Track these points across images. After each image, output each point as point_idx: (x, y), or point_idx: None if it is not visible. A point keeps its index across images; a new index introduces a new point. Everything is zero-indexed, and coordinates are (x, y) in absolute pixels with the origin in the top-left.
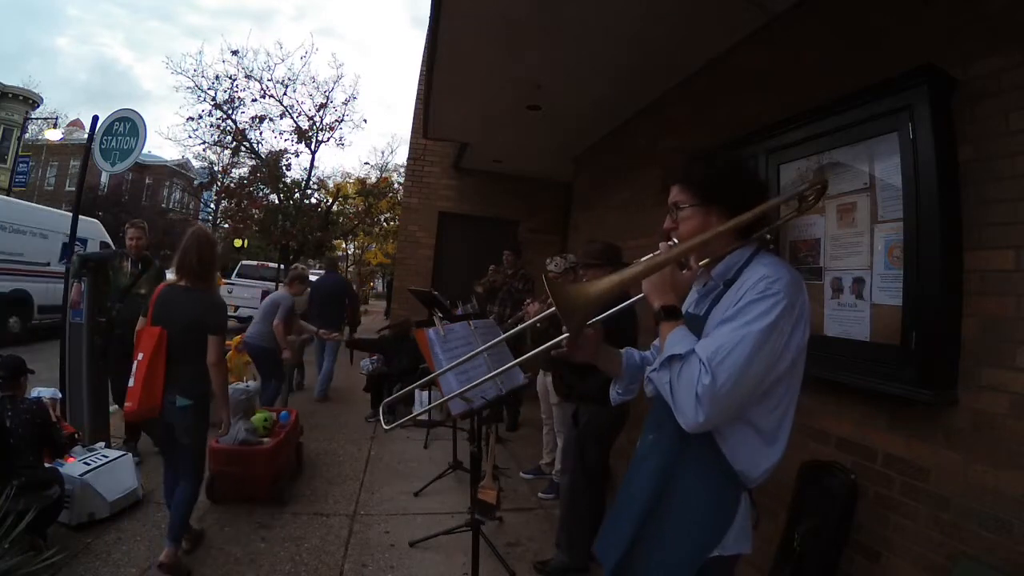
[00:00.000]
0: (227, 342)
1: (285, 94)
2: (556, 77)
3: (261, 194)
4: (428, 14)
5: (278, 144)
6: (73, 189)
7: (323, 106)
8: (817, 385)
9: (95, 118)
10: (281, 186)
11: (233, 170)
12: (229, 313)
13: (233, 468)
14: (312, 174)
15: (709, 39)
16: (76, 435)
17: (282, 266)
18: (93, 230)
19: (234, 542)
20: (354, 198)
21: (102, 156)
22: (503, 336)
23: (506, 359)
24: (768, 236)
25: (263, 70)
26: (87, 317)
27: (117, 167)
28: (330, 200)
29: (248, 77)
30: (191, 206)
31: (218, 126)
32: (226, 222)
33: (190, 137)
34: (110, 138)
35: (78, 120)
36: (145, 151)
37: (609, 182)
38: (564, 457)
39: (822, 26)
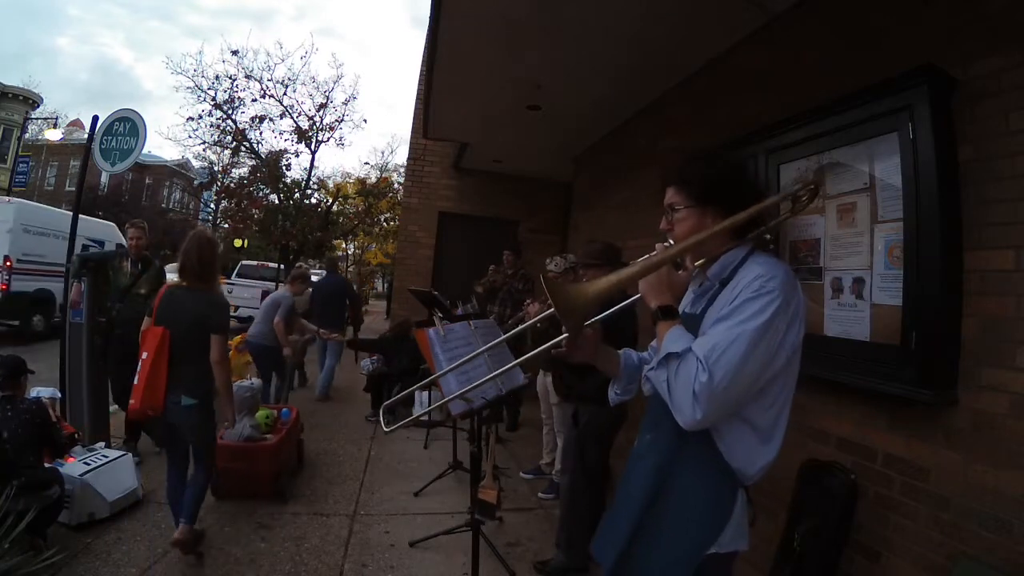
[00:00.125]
0: (228, 342)
1: (285, 94)
2: (556, 77)
3: (261, 194)
4: (428, 14)
5: (278, 144)
6: (73, 189)
7: (323, 106)
8: (817, 385)
9: (95, 118)
10: (281, 186)
11: (233, 170)
12: (230, 313)
13: (238, 464)
14: (312, 174)
15: (709, 39)
16: (76, 435)
17: (282, 266)
18: (109, 232)
19: (234, 542)
20: (354, 198)
21: (102, 156)
22: (503, 337)
23: (506, 359)
24: (768, 236)
25: (263, 70)
26: (87, 317)
27: (117, 167)
28: (330, 200)
29: (248, 77)
30: (191, 206)
31: (218, 126)
32: (226, 222)
33: (190, 137)
34: (110, 138)
35: (78, 120)
36: (145, 151)
37: (609, 182)
38: (564, 457)
39: (822, 26)
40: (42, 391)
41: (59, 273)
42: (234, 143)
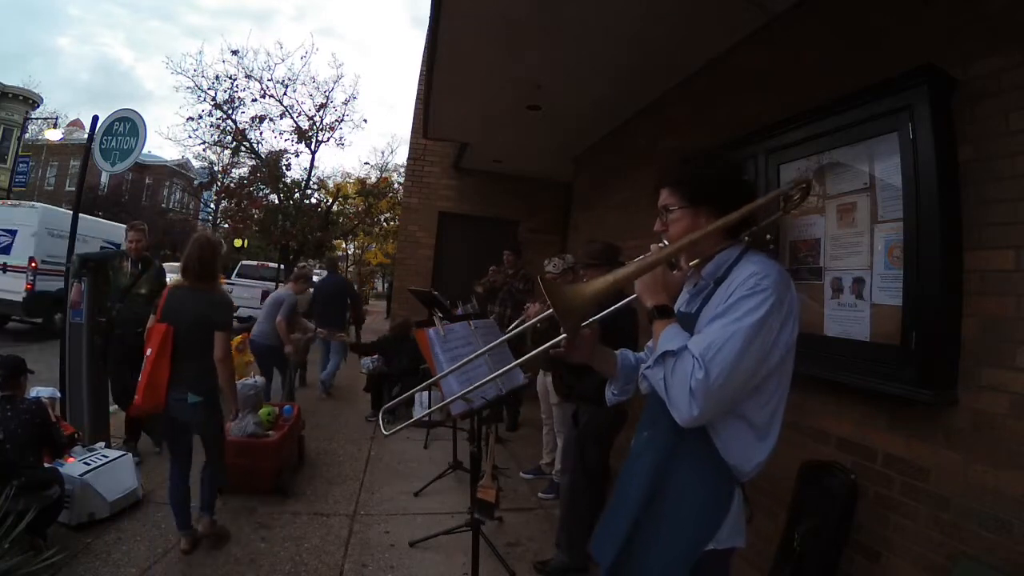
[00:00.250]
0: (230, 340)
1: (285, 94)
2: (556, 77)
3: (261, 194)
4: (428, 14)
5: (278, 144)
6: (73, 189)
7: (323, 106)
8: (817, 385)
9: (95, 118)
10: (281, 186)
11: (233, 170)
12: (233, 312)
13: (242, 460)
14: (312, 174)
15: (709, 39)
16: (76, 435)
17: (282, 266)
18: (122, 234)
19: (234, 542)
20: (354, 198)
21: (102, 156)
22: (503, 337)
23: (506, 359)
24: (768, 236)
25: (263, 70)
26: (87, 317)
27: (117, 167)
28: (330, 200)
29: (248, 77)
30: (191, 206)
31: (218, 126)
32: (226, 222)
33: (190, 137)
34: (110, 138)
35: (78, 120)
36: (145, 151)
37: (609, 182)
38: (564, 457)
39: (822, 26)
40: (42, 391)
41: None
42: (234, 143)
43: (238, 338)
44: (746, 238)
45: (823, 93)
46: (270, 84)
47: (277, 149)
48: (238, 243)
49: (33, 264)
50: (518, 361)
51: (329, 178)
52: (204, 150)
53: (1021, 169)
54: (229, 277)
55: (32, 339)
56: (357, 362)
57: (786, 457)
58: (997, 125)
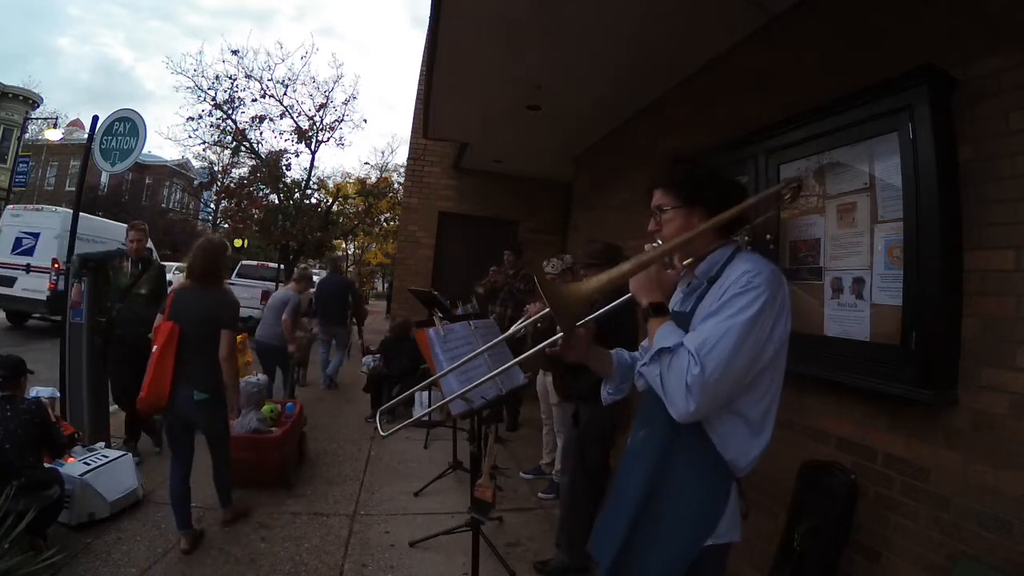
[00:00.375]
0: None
1: (285, 94)
2: (556, 77)
3: (261, 194)
4: (428, 14)
5: (278, 144)
6: (73, 189)
7: (323, 106)
8: (817, 385)
9: (95, 118)
10: (281, 186)
11: (233, 170)
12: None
13: (246, 455)
14: (312, 174)
15: (709, 39)
16: (76, 435)
17: (282, 266)
18: None
19: (234, 542)
20: (354, 198)
21: (102, 156)
22: (503, 336)
23: (506, 359)
24: (768, 236)
25: (263, 70)
26: (87, 317)
27: (117, 167)
28: (330, 200)
29: (248, 77)
30: (191, 206)
31: (218, 126)
32: (226, 222)
33: (190, 137)
34: (110, 138)
35: (78, 120)
36: (145, 151)
37: (609, 182)
38: (564, 457)
39: (822, 26)
40: (42, 391)
41: None
42: (234, 143)
43: (238, 338)
44: (742, 237)
45: (823, 93)
46: (270, 84)
47: (277, 149)
48: (238, 243)
49: (56, 265)
50: (516, 360)
51: (329, 178)
52: (204, 150)
53: (1021, 169)
54: (229, 277)
55: (52, 335)
56: (358, 361)
57: (786, 457)
58: (997, 125)
